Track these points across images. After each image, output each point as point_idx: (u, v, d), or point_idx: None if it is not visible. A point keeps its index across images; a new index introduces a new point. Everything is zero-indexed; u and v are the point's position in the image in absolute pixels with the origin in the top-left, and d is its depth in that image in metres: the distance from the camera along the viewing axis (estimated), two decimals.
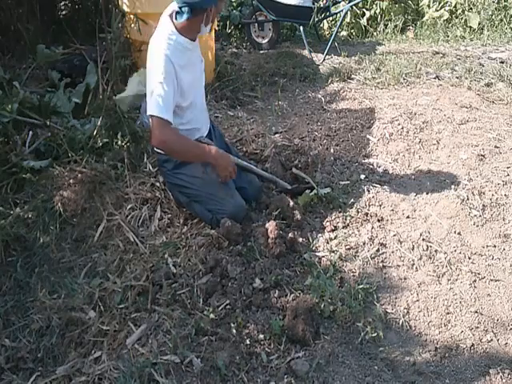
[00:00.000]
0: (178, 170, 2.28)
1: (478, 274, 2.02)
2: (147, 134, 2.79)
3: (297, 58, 4.46)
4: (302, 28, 4.55)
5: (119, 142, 2.64)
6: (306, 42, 4.53)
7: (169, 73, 2.03)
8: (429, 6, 5.38)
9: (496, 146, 2.78)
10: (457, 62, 4.21)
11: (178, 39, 2.10)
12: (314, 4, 4.43)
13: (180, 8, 2.04)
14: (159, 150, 2.28)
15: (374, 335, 1.77)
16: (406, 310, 1.89)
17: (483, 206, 2.34)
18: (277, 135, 3.08)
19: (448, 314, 1.87)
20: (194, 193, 2.25)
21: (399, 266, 2.07)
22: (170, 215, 2.34)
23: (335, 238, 2.19)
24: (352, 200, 2.43)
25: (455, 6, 5.28)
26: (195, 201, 2.27)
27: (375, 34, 5.29)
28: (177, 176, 2.29)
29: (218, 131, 2.56)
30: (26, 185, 2.38)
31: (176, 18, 2.09)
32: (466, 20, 5.16)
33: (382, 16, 5.39)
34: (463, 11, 5.24)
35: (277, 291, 1.90)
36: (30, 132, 2.56)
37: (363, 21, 5.36)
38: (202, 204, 2.25)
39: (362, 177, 2.60)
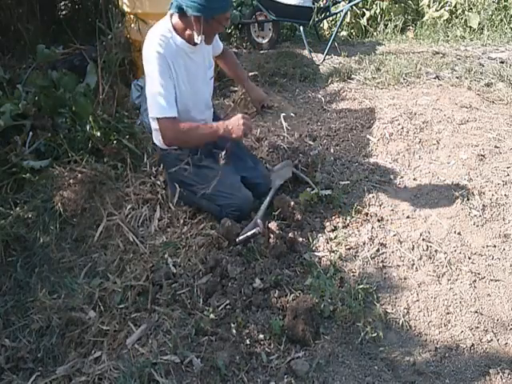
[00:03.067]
0: (181, 167, 2.27)
1: (478, 273, 2.02)
2: (147, 134, 2.80)
3: (297, 57, 4.46)
4: (301, 28, 4.55)
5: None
6: (305, 42, 4.53)
7: (164, 68, 2.02)
8: (429, 5, 5.38)
9: (496, 146, 2.78)
10: (457, 61, 4.21)
11: (174, 38, 2.07)
12: (314, 4, 4.43)
13: (172, 3, 2.02)
14: (161, 145, 2.29)
15: (374, 335, 1.77)
16: (406, 310, 1.89)
17: (483, 205, 2.34)
18: (276, 135, 3.09)
19: (448, 313, 1.87)
20: (200, 190, 2.24)
21: (399, 265, 2.07)
22: (169, 215, 2.34)
23: (335, 238, 2.19)
24: (352, 200, 2.43)
25: (455, 6, 5.28)
26: (201, 197, 2.28)
27: (375, 34, 5.29)
28: (181, 172, 2.28)
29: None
30: (26, 185, 2.38)
31: (170, 9, 2.06)
32: (466, 20, 5.16)
33: (382, 16, 5.39)
34: (463, 11, 5.24)
35: (277, 291, 1.90)
36: (30, 132, 2.56)
37: (363, 21, 5.36)
38: (210, 200, 2.25)
39: (362, 177, 2.60)
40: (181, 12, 2.01)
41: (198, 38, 2.03)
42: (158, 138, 2.33)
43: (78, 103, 2.64)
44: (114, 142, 2.62)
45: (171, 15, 2.09)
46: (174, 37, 2.08)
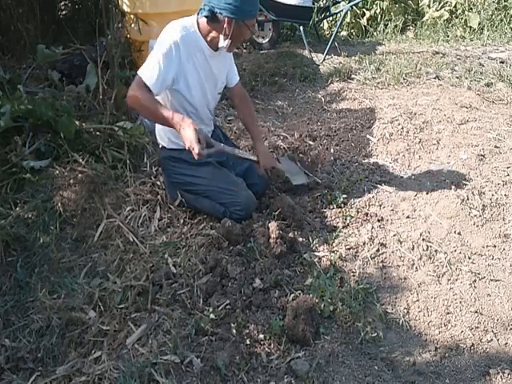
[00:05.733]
0: (183, 168, 2.27)
1: (478, 273, 2.02)
2: (147, 134, 2.80)
3: (297, 57, 4.46)
4: (301, 28, 4.56)
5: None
6: (305, 42, 4.53)
7: (171, 55, 2.01)
8: (429, 6, 5.39)
9: (496, 146, 2.78)
10: (457, 61, 4.22)
11: (196, 34, 2.07)
12: (314, 4, 4.43)
13: (204, 5, 2.01)
14: (164, 143, 2.28)
15: (373, 335, 1.77)
16: (406, 310, 1.89)
17: (483, 206, 2.33)
18: (276, 135, 3.09)
19: (448, 313, 1.87)
20: (204, 188, 2.25)
21: (399, 266, 2.07)
22: (169, 215, 2.34)
23: (335, 238, 2.19)
24: (352, 200, 2.43)
25: (455, 6, 5.28)
26: (205, 196, 2.27)
27: (375, 33, 5.29)
28: (183, 173, 2.27)
29: (219, 131, 2.54)
30: (26, 185, 2.38)
31: (198, 14, 2.06)
32: (466, 20, 5.16)
33: (382, 16, 5.40)
34: (463, 11, 5.24)
35: (277, 291, 1.90)
36: (30, 132, 2.56)
37: (363, 21, 5.36)
38: (214, 198, 2.25)
39: (362, 177, 2.60)
40: (212, 16, 2.00)
41: (224, 42, 2.05)
42: (159, 135, 2.33)
43: (60, 124, 2.54)
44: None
45: (198, 18, 2.08)
46: (197, 34, 2.08)
